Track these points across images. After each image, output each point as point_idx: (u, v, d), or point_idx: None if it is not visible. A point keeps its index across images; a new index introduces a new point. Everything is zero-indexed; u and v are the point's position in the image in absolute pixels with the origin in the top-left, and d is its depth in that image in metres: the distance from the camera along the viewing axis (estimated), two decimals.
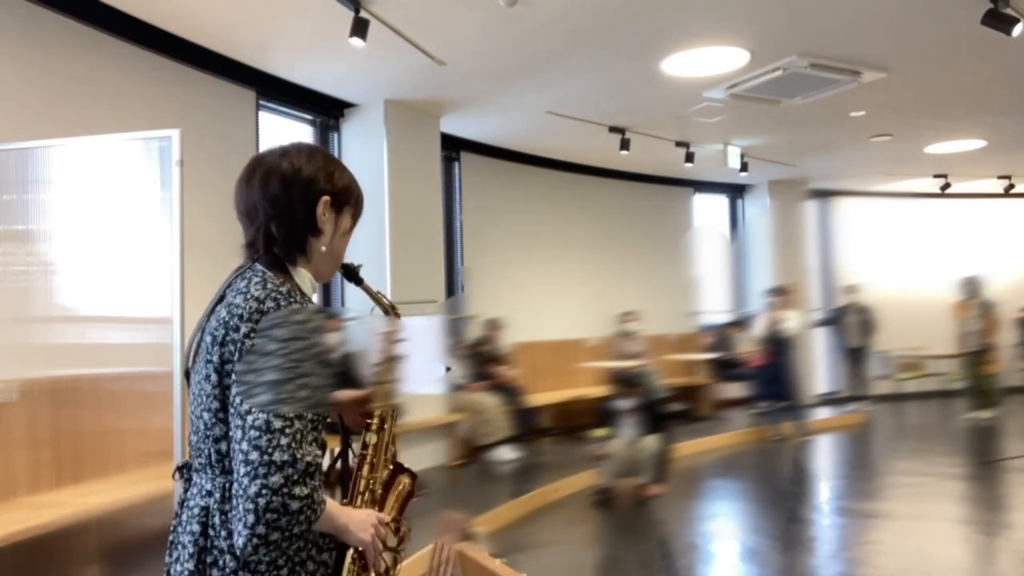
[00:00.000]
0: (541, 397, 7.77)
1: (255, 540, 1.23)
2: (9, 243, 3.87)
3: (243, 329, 1.33)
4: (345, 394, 1.64)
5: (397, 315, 1.68)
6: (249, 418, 1.26)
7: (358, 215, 1.59)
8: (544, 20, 4.87)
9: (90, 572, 3.74)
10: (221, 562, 1.33)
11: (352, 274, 1.63)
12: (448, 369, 6.55)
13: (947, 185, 10.66)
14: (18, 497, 3.57)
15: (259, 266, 1.44)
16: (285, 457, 1.23)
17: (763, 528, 5.40)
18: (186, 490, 1.44)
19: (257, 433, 1.24)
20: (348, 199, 1.54)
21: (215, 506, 1.35)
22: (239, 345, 1.32)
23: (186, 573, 1.35)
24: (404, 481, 1.59)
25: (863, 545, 4.85)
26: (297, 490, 1.23)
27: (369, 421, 1.59)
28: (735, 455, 7.78)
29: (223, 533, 1.33)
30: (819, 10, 4.87)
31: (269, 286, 1.37)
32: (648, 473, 5.72)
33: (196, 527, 1.36)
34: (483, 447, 6.82)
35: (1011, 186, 10.86)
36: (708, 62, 5.72)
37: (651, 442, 5.74)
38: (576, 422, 7.73)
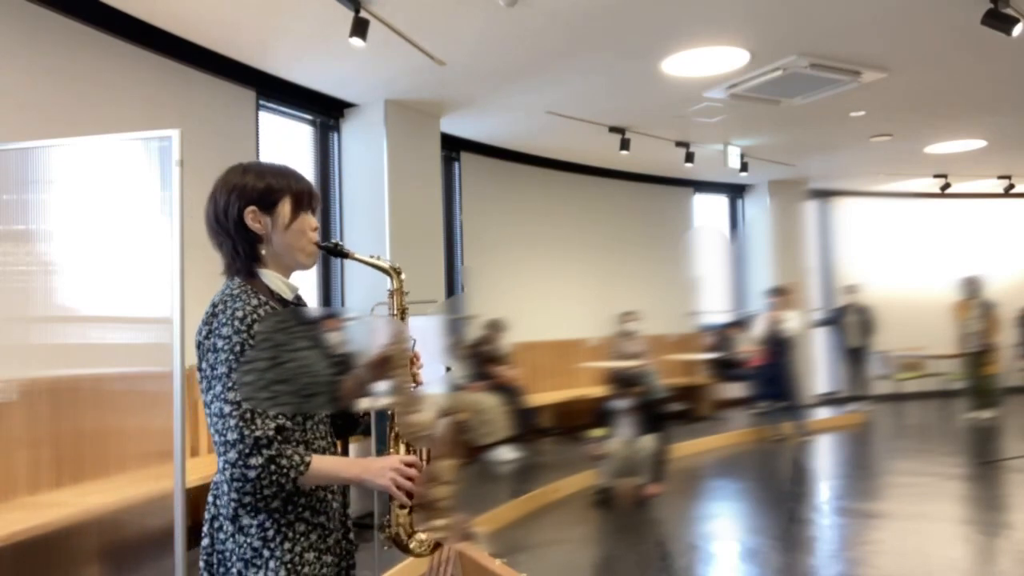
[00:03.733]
0: (541, 397, 7.77)
1: (232, 504, 1.51)
2: (9, 243, 3.87)
3: (203, 332, 1.54)
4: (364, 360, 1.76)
5: (399, 273, 1.76)
6: (211, 407, 1.49)
7: (299, 198, 1.62)
8: (544, 20, 4.87)
9: (90, 572, 3.74)
10: (225, 526, 1.55)
11: (336, 252, 1.69)
12: (448, 369, 6.54)
13: (947, 185, 10.66)
14: (18, 497, 3.57)
15: (237, 278, 1.59)
16: (235, 436, 1.44)
17: (763, 528, 5.40)
18: None
19: (214, 420, 1.48)
20: (274, 196, 1.59)
21: (217, 480, 1.58)
22: (202, 348, 1.54)
23: (206, 537, 1.59)
24: None
25: (863, 545, 4.85)
26: (252, 460, 1.43)
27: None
28: (735, 455, 7.78)
29: (221, 503, 1.56)
30: (819, 10, 4.87)
31: (226, 291, 1.55)
32: (646, 473, 5.73)
33: (210, 498, 1.60)
34: (483, 447, 6.82)
35: (1011, 186, 10.86)
36: (708, 62, 5.72)
37: (648, 442, 5.74)
38: (576, 422, 7.72)
